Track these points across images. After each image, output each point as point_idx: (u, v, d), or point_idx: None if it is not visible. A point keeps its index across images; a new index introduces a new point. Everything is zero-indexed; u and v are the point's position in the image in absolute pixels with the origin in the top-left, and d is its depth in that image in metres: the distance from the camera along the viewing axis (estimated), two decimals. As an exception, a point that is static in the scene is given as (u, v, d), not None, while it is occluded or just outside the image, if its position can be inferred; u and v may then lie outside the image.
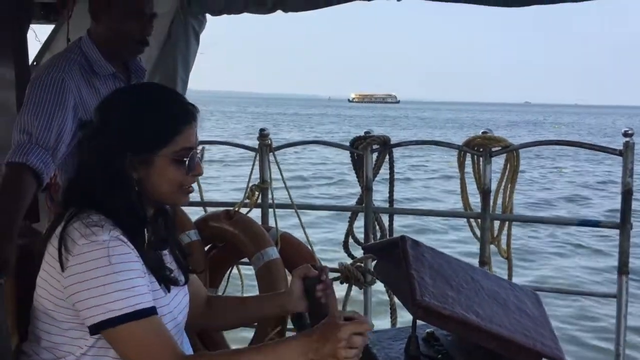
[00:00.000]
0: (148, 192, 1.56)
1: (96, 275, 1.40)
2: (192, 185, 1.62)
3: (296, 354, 1.41)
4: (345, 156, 3.71)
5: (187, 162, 1.54)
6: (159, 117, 1.53)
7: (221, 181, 15.11)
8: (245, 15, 3.42)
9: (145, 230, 1.57)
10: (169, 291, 1.59)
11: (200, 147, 1.61)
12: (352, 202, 3.66)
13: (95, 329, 1.44)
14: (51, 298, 1.50)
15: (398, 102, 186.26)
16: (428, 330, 1.80)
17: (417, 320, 1.65)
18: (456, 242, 9.11)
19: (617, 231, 3.09)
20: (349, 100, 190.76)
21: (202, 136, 1.75)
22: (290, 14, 3.43)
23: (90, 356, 1.50)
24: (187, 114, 1.58)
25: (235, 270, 3.49)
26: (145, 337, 1.43)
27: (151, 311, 1.45)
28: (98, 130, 1.54)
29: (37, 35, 2.95)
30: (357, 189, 3.47)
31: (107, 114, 1.56)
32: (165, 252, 1.67)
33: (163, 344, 1.45)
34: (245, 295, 3.31)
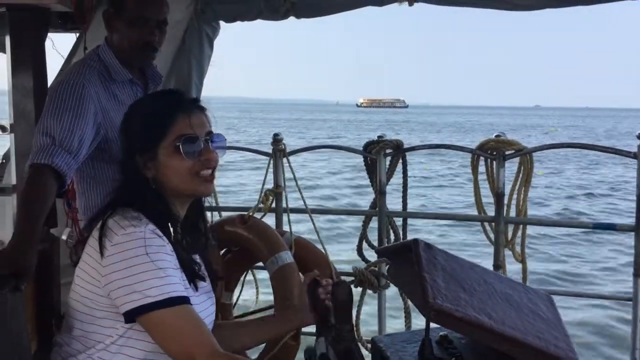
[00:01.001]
0: (165, 188, 1.63)
1: (133, 264, 1.47)
2: (212, 172, 1.65)
3: None
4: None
5: (180, 148, 1.60)
6: (153, 113, 1.65)
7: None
8: (257, 22, 3.44)
9: (172, 228, 1.63)
10: (197, 290, 1.63)
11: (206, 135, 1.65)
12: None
13: (130, 316, 1.48)
14: (88, 287, 1.56)
15: (407, 106, 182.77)
16: (442, 333, 1.80)
17: (431, 324, 1.66)
18: (469, 246, 9.06)
19: (632, 234, 3.08)
20: (357, 105, 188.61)
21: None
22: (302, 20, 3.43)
23: (118, 345, 1.55)
24: (179, 104, 1.66)
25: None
26: (180, 325, 1.48)
27: (185, 300, 1.50)
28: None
29: (55, 43, 2.99)
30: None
31: (122, 126, 1.72)
32: (196, 256, 1.72)
33: (198, 332, 1.49)
34: (257, 301, 3.36)
